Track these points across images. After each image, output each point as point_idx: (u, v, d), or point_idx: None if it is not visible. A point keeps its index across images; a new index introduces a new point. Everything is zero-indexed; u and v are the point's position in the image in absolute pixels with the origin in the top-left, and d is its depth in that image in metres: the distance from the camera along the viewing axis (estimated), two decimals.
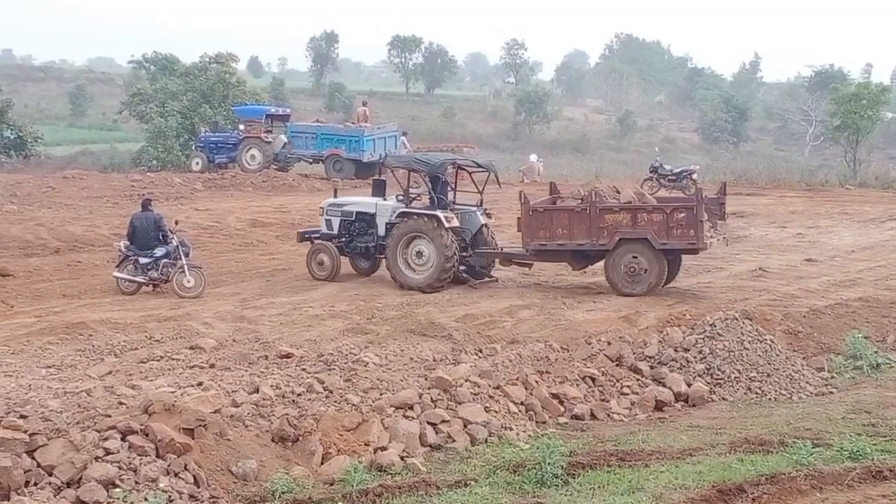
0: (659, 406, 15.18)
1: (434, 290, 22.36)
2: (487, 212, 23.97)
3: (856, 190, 46.98)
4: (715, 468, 11.41)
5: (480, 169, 24.33)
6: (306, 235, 25.03)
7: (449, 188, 23.95)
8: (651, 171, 43.59)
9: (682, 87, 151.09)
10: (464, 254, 23.31)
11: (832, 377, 16.68)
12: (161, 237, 22.31)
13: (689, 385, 15.70)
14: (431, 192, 23.36)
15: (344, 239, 24.38)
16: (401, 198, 23.76)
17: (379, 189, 24.69)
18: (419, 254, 22.82)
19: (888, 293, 21.80)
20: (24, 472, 10.37)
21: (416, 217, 23.02)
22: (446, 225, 22.58)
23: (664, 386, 15.65)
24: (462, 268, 23.43)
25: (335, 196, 25.61)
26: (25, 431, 10.84)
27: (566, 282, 23.48)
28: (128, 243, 22.30)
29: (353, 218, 24.33)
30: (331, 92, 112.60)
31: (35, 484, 10.35)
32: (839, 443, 11.99)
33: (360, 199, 25.58)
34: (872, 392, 15.67)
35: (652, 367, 16.23)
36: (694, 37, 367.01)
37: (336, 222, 24.47)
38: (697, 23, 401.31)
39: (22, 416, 11.43)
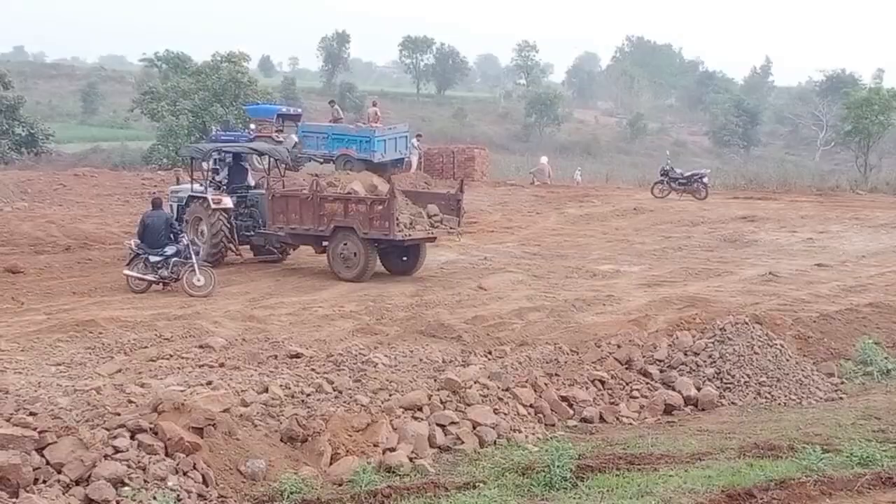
0: (668, 410, 15.10)
1: (211, 265, 23.59)
2: None
3: (867, 195, 46.93)
4: (724, 473, 11.34)
5: (263, 156, 28.74)
6: None
7: (249, 172, 28.03)
8: (662, 175, 43.77)
9: (693, 90, 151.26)
10: (249, 233, 26.34)
11: (842, 383, 16.57)
12: (172, 236, 22.37)
13: (698, 389, 15.61)
14: (209, 176, 26.68)
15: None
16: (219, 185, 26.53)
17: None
18: (202, 233, 25.59)
19: None
20: (34, 470, 10.30)
21: (195, 200, 26.05)
22: (213, 206, 25.29)
23: (673, 390, 15.55)
24: (247, 246, 26.76)
25: (177, 183, 28.65)
26: (35, 429, 10.78)
27: (576, 285, 23.44)
28: (138, 241, 22.35)
29: (185, 203, 26.57)
30: (342, 92, 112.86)
31: (44, 481, 10.28)
32: (849, 448, 11.90)
33: (189, 187, 27.45)
34: (882, 398, 15.57)
35: (661, 371, 16.12)
36: (706, 40, 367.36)
37: (175, 207, 26.72)
38: (709, 26, 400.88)
39: (31, 414, 11.38)
